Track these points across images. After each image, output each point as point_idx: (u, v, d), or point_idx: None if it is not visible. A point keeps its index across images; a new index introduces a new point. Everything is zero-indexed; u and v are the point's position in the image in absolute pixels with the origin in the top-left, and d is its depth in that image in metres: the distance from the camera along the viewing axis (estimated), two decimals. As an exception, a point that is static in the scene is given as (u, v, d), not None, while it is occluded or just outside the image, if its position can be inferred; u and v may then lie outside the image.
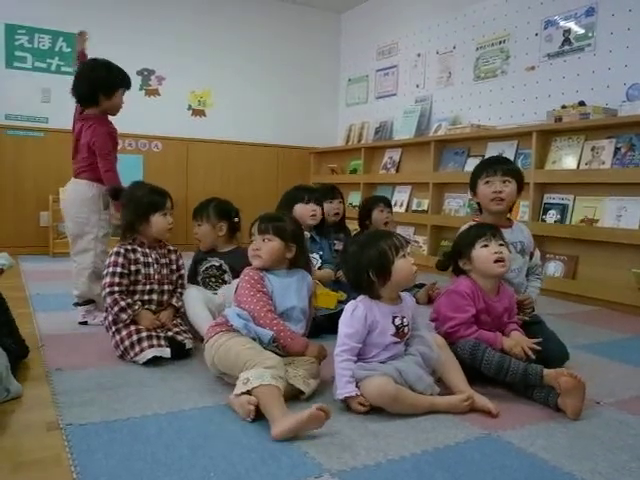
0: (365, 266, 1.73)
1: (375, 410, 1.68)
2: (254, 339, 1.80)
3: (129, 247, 2.24)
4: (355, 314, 1.73)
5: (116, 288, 2.16)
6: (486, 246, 1.97)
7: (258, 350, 1.74)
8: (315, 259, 2.86)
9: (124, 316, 2.14)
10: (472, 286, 1.97)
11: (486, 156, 4.50)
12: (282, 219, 2.01)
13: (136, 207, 2.26)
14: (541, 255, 2.58)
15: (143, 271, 2.23)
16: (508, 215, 2.37)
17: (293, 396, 1.71)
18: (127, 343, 2.10)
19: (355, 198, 6.02)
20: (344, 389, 1.67)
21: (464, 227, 2.17)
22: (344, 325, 1.74)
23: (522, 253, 2.26)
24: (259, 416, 1.57)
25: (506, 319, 2.01)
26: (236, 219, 2.65)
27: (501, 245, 1.98)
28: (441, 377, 1.80)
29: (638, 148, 3.46)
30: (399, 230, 5.30)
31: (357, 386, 1.68)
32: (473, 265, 1.99)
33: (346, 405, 1.69)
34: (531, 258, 2.33)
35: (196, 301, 2.34)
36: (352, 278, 1.81)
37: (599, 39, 3.91)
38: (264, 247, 1.93)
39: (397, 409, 1.66)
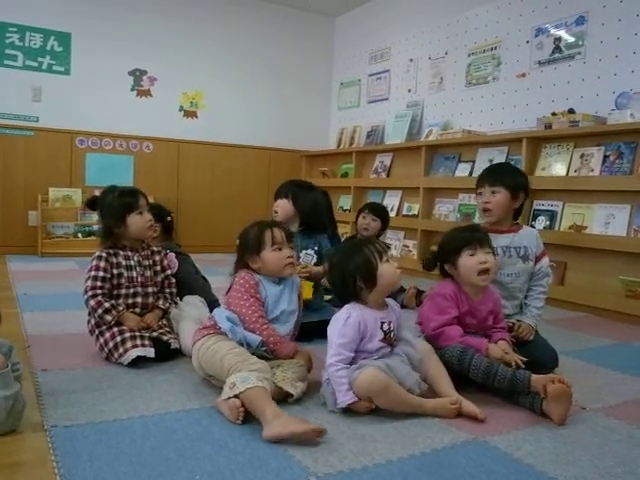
0: (352, 273, 1.75)
1: (363, 413, 1.68)
2: (241, 343, 1.80)
3: (111, 251, 2.22)
4: (349, 322, 1.72)
5: (99, 291, 2.14)
6: (472, 255, 1.96)
7: (243, 355, 1.73)
8: (310, 255, 2.85)
9: (108, 317, 2.12)
10: (456, 289, 1.98)
11: (476, 162, 4.53)
12: None
13: (109, 212, 2.25)
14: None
15: (125, 274, 2.21)
16: (518, 220, 2.37)
17: (281, 399, 1.70)
18: (111, 345, 2.08)
19: (345, 202, 6.03)
20: (345, 397, 1.67)
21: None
22: (337, 335, 1.73)
23: (524, 258, 2.23)
24: (247, 419, 1.57)
25: (491, 322, 2.02)
26: (168, 218, 2.81)
27: (488, 253, 1.97)
28: (428, 383, 1.80)
29: (626, 156, 3.50)
30: (389, 234, 5.31)
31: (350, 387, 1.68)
32: (457, 272, 1.99)
33: (344, 410, 1.68)
34: (537, 262, 2.28)
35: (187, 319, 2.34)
36: (339, 287, 1.82)
37: (589, 48, 3.95)
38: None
39: (386, 401, 1.66)
